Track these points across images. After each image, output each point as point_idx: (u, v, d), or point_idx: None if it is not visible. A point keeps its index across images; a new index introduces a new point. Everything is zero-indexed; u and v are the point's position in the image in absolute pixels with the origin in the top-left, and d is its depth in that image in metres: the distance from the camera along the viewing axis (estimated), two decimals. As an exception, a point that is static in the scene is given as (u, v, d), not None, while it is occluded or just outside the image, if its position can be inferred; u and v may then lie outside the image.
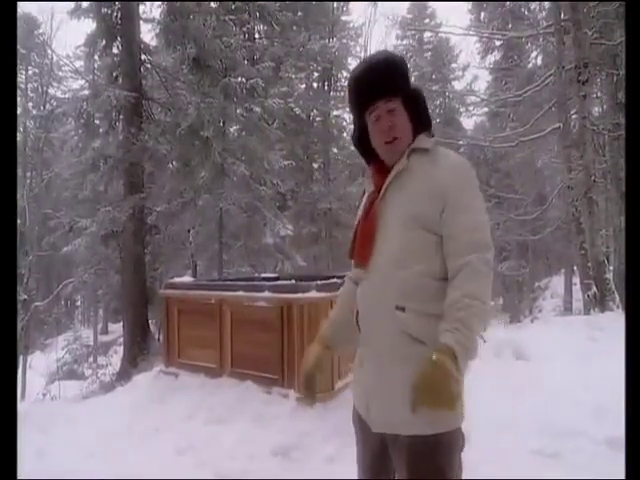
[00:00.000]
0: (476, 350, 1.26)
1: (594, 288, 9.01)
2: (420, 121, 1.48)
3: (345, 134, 24.27)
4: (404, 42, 28.10)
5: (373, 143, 1.49)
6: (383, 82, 1.42)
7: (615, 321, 6.17)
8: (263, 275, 6.15)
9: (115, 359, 13.37)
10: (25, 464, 2.77)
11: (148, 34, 13.81)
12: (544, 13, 15.51)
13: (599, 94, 13.83)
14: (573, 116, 10.29)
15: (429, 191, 1.37)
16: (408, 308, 1.34)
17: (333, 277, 4.08)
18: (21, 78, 23.48)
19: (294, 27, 17.64)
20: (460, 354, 1.21)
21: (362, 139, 1.53)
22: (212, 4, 12.26)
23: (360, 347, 1.50)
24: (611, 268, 11.11)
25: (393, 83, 1.43)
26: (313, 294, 3.55)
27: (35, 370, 17.03)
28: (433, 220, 1.36)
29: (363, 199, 1.58)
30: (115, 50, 11.62)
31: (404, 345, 1.34)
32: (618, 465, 1.67)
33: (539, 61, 17.72)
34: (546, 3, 14.07)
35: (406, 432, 1.32)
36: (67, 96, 18.96)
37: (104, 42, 11.56)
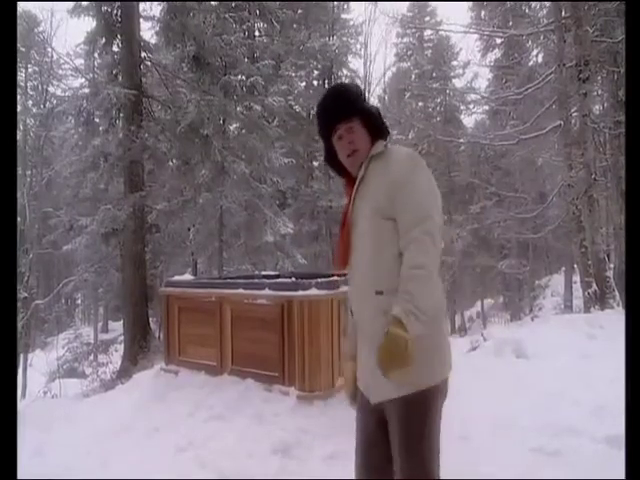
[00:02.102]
0: (426, 312, 1.47)
1: (594, 286, 9.00)
2: (377, 133, 1.73)
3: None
4: (404, 40, 28.05)
5: (340, 158, 1.75)
6: (338, 109, 1.71)
7: (615, 319, 6.17)
8: (263, 273, 6.14)
9: (116, 357, 13.36)
10: (25, 462, 2.78)
11: (148, 32, 13.83)
12: (545, 11, 15.45)
13: (600, 92, 13.80)
14: (574, 114, 10.26)
15: (383, 184, 1.61)
16: (386, 290, 1.56)
17: (333, 275, 4.08)
18: (21, 76, 23.42)
19: (294, 25, 17.64)
20: (407, 320, 1.44)
21: (334, 159, 1.79)
22: (212, 2, 12.24)
23: (357, 333, 1.75)
24: (611, 266, 11.10)
25: (347, 108, 1.71)
26: (313, 292, 3.55)
27: (36, 368, 17.04)
28: (390, 208, 1.58)
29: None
30: (115, 48, 11.59)
31: (387, 322, 1.51)
32: (618, 463, 1.68)
33: (540, 59, 17.65)
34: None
35: (394, 395, 1.58)
36: (67, 94, 18.90)
37: (104, 40, 11.53)
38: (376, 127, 1.73)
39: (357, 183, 1.69)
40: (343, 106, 1.71)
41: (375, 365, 1.54)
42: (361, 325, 1.70)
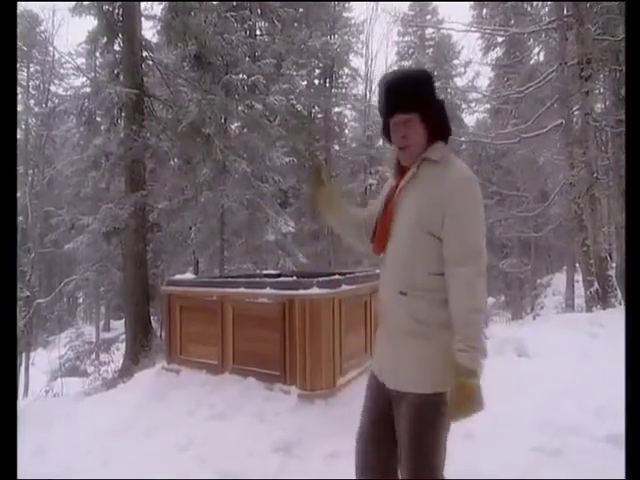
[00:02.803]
0: (486, 350, 1.54)
1: (596, 285, 8.99)
2: (436, 132, 1.66)
3: (347, 131, 24.23)
4: (406, 39, 27.99)
5: (392, 142, 1.72)
6: (400, 99, 1.62)
7: (617, 318, 6.15)
8: (265, 272, 6.15)
9: (117, 356, 13.39)
10: (27, 461, 2.79)
11: (149, 31, 13.88)
12: (547, 9, 15.41)
13: (602, 90, 13.77)
14: (575, 112, 10.25)
15: (434, 199, 1.58)
16: (409, 294, 1.63)
17: (334, 274, 4.08)
18: (23, 75, 23.45)
19: (295, 24, 17.63)
20: (479, 368, 1.51)
21: (389, 133, 1.74)
22: (213, 2, 12.22)
23: (379, 321, 1.83)
24: (613, 265, 11.07)
25: (409, 100, 1.62)
26: (315, 291, 3.55)
27: (38, 367, 17.10)
28: (435, 225, 1.58)
29: (385, 187, 1.84)
30: (116, 47, 11.59)
31: (408, 322, 1.64)
32: (620, 463, 1.67)
33: (541, 57, 17.61)
34: (549, -1, 13.98)
35: (409, 390, 1.63)
36: (69, 93, 18.93)
37: (105, 39, 11.54)
38: (436, 126, 1.66)
39: (405, 181, 1.67)
40: (405, 97, 1.62)
41: (392, 355, 1.69)
42: (383, 314, 1.77)
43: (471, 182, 1.61)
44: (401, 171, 1.71)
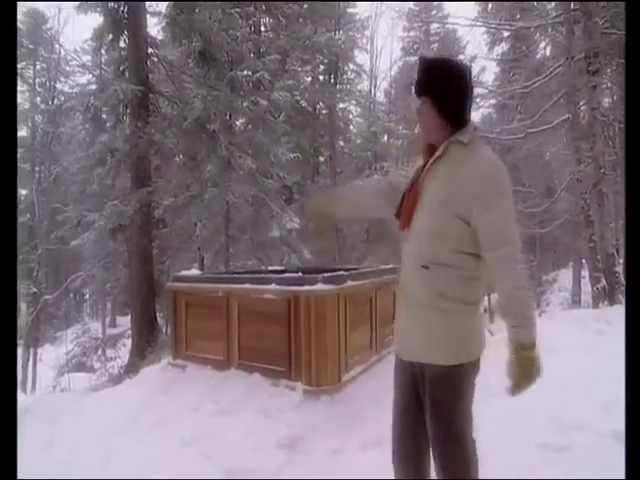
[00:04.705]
0: (536, 324, 1.60)
1: (603, 281, 8.93)
2: (449, 116, 1.70)
3: (351, 127, 24.16)
4: (411, 34, 27.85)
5: None
6: (416, 84, 1.75)
7: (623, 314, 6.11)
8: (270, 268, 6.15)
9: (123, 352, 13.48)
10: (33, 456, 2.81)
11: (154, 28, 13.82)
12: (553, 3, 15.26)
13: (609, 84, 13.62)
14: (582, 107, 10.15)
15: (461, 182, 1.61)
16: (431, 268, 1.68)
17: (339, 270, 4.08)
18: (29, 73, 23.54)
19: (300, 20, 17.55)
20: (534, 341, 1.57)
21: None
22: (218, -2, 12.20)
23: (399, 297, 1.87)
24: (620, 261, 11.00)
25: (420, 85, 1.73)
26: (320, 286, 3.55)
27: (45, 363, 17.23)
28: (461, 208, 1.61)
29: (414, 166, 1.87)
30: (122, 44, 11.61)
31: (428, 296, 1.69)
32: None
33: (548, 52, 17.43)
34: (555, -7, 13.82)
35: (426, 361, 1.70)
36: (75, 90, 18.94)
37: (111, 36, 11.56)
38: (448, 111, 1.69)
39: (432, 160, 1.72)
40: (419, 82, 1.74)
41: (410, 327, 1.75)
42: (404, 289, 1.81)
43: (498, 167, 1.64)
44: (430, 151, 1.75)
